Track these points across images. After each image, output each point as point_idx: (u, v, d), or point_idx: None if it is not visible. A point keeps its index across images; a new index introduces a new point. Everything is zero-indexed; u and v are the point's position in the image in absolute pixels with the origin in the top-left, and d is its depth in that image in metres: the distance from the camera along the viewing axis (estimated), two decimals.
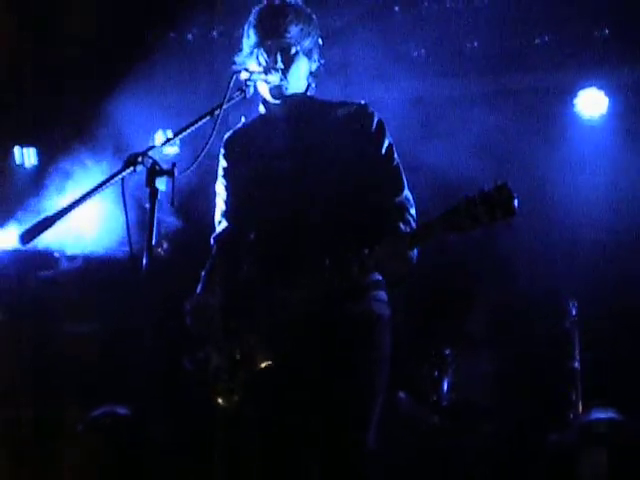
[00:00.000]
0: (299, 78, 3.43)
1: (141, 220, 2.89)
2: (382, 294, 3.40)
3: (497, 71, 6.25)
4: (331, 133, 3.39)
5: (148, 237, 2.85)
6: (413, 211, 3.37)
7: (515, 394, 5.68)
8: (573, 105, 6.29)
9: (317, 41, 3.49)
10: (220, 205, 3.62)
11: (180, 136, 3.07)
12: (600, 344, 5.56)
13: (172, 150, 5.85)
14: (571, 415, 5.33)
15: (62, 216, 2.78)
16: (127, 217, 2.85)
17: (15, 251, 6.06)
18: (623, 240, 5.84)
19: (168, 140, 3.10)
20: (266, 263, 3.40)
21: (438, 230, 3.02)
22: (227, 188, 3.58)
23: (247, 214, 3.50)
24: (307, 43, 3.41)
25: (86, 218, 5.55)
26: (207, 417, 3.53)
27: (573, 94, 6.27)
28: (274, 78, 3.34)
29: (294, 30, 3.36)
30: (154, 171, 2.86)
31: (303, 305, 3.18)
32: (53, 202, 5.53)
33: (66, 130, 6.30)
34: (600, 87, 6.18)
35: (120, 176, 2.86)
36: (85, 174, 5.51)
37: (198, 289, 3.51)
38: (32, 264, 6.35)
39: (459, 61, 6.12)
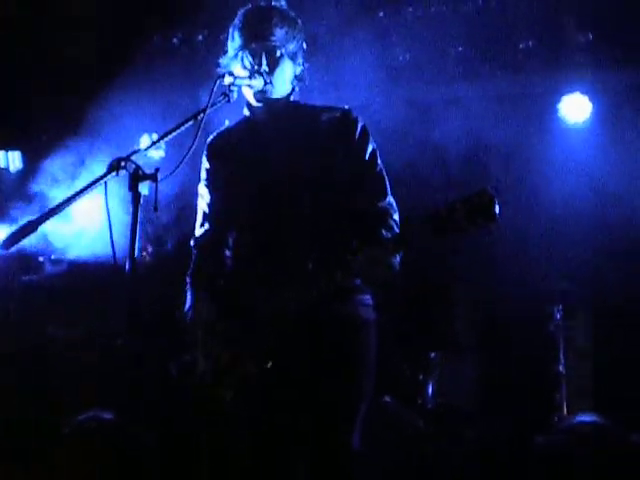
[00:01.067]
0: (284, 82, 3.43)
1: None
2: (368, 298, 3.42)
3: (482, 76, 6.27)
4: (315, 137, 3.40)
5: (131, 241, 2.85)
6: (396, 216, 3.38)
7: (500, 398, 5.70)
8: (557, 110, 6.31)
9: (302, 45, 3.49)
10: (202, 207, 3.61)
11: (164, 140, 3.07)
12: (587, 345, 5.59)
13: (158, 154, 5.86)
14: (556, 418, 5.35)
15: (44, 221, 2.78)
16: (110, 221, 2.85)
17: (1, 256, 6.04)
18: (608, 243, 5.87)
19: (152, 144, 3.11)
20: (249, 266, 3.40)
21: (418, 236, 3.03)
22: (210, 190, 3.58)
23: (229, 217, 3.50)
24: (292, 46, 3.41)
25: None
26: (193, 420, 3.53)
27: (557, 99, 6.30)
28: (258, 82, 3.34)
29: (279, 33, 3.36)
30: (137, 176, 2.87)
31: (288, 307, 3.19)
32: (38, 206, 5.52)
33: (51, 134, 6.28)
34: (584, 92, 6.21)
35: (103, 180, 2.86)
36: (69, 177, 5.50)
37: (188, 295, 3.51)
38: (16, 268, 6.34)
39: (444, 66, 6.14)
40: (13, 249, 2.78)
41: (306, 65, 3.53)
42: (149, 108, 5.97)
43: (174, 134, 3.07)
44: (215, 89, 3.14)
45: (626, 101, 6.01)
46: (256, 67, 3.35)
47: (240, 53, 3.39)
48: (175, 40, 6.42)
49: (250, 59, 3.36)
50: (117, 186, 2.90)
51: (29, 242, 2.87)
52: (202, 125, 3.05)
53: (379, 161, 3.45)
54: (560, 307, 5.52)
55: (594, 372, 5.85)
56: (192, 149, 3.00)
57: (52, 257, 6.31)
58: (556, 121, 6.32)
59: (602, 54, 5.96)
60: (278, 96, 3.43)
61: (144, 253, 5.84)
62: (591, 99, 6.23)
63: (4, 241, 2.75)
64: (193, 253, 3.63)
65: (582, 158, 6.08)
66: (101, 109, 5.78)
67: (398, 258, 3.16)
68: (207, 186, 3.59)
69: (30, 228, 2.76)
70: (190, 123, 3.10)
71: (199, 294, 3.46)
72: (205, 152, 3.60)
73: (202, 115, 3.08)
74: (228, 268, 3.51)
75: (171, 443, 5.47)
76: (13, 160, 6.75)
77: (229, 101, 3.23)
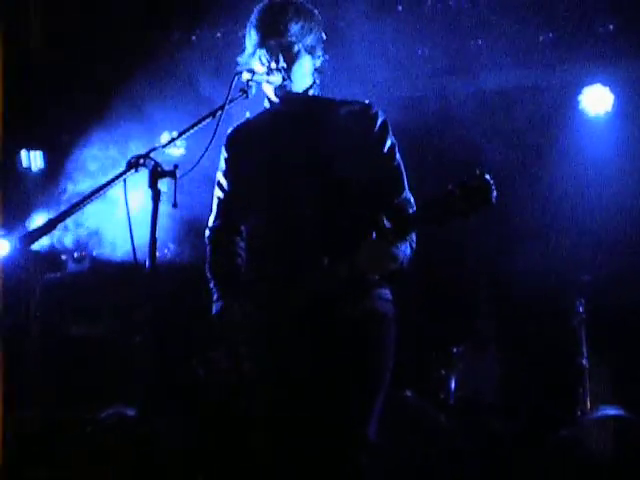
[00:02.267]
0: (303, 76, 3.43)
1: None
2: (386, 292, 3.40)
3: (502, 68, 6.24)
4: (334, 131, 3.39)
5: (151, 239, 2.86)
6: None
7: (522, 392, 5.67)
8: (578, 102, 6.27)
9: (320, 37, 3.47)
10: (218, 196, 3.62)
11: (183, 137, 3.08)
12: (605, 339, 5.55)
13: (178, 152, 5.87)
14: (579, 412, 5.32)
15: (65, 218, 2.80)
16: (130, 219, 2.87)
17: (23, 253, 6.08)
18: (628, 236, 5.83)
19: (171, 141, 3.12)
20: (264, 259, 3.41)
21: (418, 223, 3.07)
22: (228, 181, 3.59)
23: (246, 208, 3.50)
24: (309, 40, 3.39)
25: None
26: (214, 417, 3.54)
27: (578, 91, 6.25)
28: (277, 78, 3.34)
29: (295, 28, 3.35)
30: (156, 173, 2.88)
31: (305, 302, 3.19)
32: (60, 205, 5.55)
33: (73, 133, 6.31)
34: (605, 83, 6.16)
35: (122, 178, 2.88)
36: (92, 175, 5.53)
37: (211, 287, 3.51)
38: (39, 266, 6.38)
39: (464, 59, 6.12)
40: (34, 246, 2.80)
41: (326, 57, 3.51)
42: (169, 106, 5.98)
43: (193, 131, 3.08)
44: (234, 85, 3.15)
45: None
46: (273, 64, 3.34)
47: (257, 50, 3.39)
48: (194, 37, 6.43)
49: (267, 56, 3.36)
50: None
51: (51, 240, 2.89)
52: (221, 122, 3.06)
53: (397, 156, 3.43)
54: (583, 300, 5.48)
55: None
56: (210, 145, 3.01)
57: (75, 255, 6.34)
58: (577, 113, 6.28)
59: (624, 45, 5.92)
60: (298, 90, 3.43)
61: (166, 250, 5.86)
62: (612, 90, 6.18)
63: (25, 238, 2.77)
64: (208, 243, 3.63)
65: (603, 151, 6.04)
66: (122, 108, 5.80)
67: (404, 248, 3.17)
68: (225, 176, 3.59)
69: (50, 226, 2.78)
70: (209, 120, 3.11)
71: (220, 288, 3.47)
72: (225, 142, 3.60)
73: (221, 112, 3.09)
74: (242, 260, 3.51)
75: (193, 439, 5.49)
76: (35, 159, 6.78)
77: (247, 97, 3.23)
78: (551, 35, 6.11)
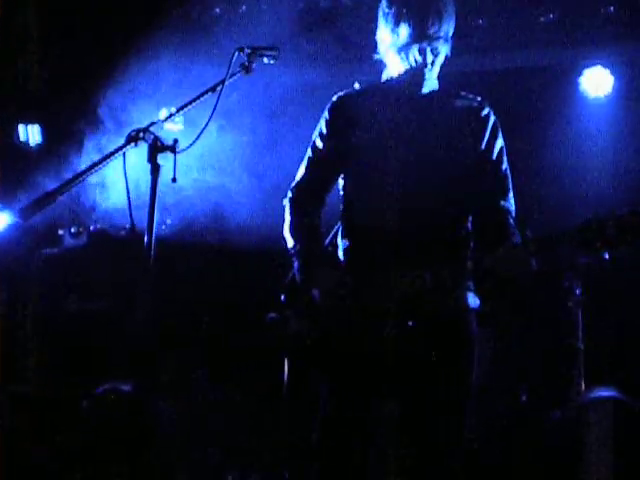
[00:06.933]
0: (439, 65, 3.40)
1: None
2: (471, 284, 3.37)
3: (503, 49, 6.22)
4: (447, 124, 3.34)
5: (150, 213, 2.86)
6: (513, 217, 3.36)
7: (517, 372, 5.68)
8: (578, 84, 6.25)
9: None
10: (310, 155, 3.53)
11: (182, 112, 3.08)
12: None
13: (176, 127, 5.85)
14: (573, 394, 5.34)
15: (62, 192, 2.79)
16: (129, 192, 2.86)
17: (19, 228, 6.06)
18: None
19: (170, 116, 3.11)
20: (366, 240, 3.35)
21: (565, 243, 3.03)
22: (326, 145, 3.48)
23: (347, 180, 3.45)
24: (450, 32, 3.35)
25: None
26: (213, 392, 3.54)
27: (578, 72, 6.24)
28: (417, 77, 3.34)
29: (445, 28, 3.30)
30: (156, 147, 2.88)
31: (400, 296, 3.17)
32: (57, 179, 5.53)
33: (70, 107, 6.29)
34: (605, 65, 6.15)
35: (122, 151, 2.87)
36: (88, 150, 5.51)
37: (296, 253, 3.43)
38: (37, 241, 6.36)
39: (464, 39, 6.08)
40: (31, 220, 2.79)
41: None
42: (169, 81, 5.95)
43: (192, 106, 3.08)
44: (234, 61, 3.13)
45: None
46: (421, 64, 3.31)
47: (405, 49, 3.30)
48: (194, 13, 6.39)
49: (416, 56, 3.30)
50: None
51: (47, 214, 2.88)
52: (220, 96, 3.05)
53: (505, 159, 3.40)
54: (579, 282, 5.48)
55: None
56: (210, 120, 3.00)
57: (72, 230, 6.33)
58: (577, 95, 6.27)
59: (624, 27, 5.90)
60: (432, 78, 3.39)
61: (163, 225, 5.85)
62: (612, 72, 6.17)
63: (22, 212, 2.76)
64: (289, 202, 3.55)
65: (603, 132, 6.03)
66: (120, 82, 5.77)
67: (534, 262, 3.10)
68: (323, 139, 3.49)
69: (48, 199, 2.77)
70: (208, 95, 3.10)
71: (305, 251, 3.40)
72: (330, 105, 3.50)
73: (221, 87, 3.08)
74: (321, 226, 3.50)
75: (189, 416, 5.51)
76: (33, 134, 6.76)
77: (248, 72, 3.22)
78: (552, 16, 6.09)
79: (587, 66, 6.21)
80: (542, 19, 6.09)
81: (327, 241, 3.64)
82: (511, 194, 3.39)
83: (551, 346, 5.69)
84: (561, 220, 5.98)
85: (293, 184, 3.57)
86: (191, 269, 6.24)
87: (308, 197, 3.53)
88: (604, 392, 5.01)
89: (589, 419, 4.86)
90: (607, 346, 5.61)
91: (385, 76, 3.46)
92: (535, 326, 5.81)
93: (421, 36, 3.26)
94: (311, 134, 3.53)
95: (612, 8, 5.90)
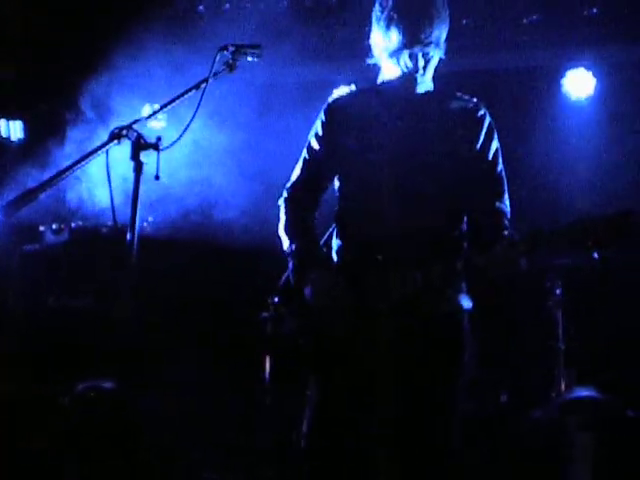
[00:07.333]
0: (431, 69, 3.39)
1: None
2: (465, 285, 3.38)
3: (486, 50, 6.23)
4: (441, 125, 3.34)
5: (132, 210, 2.86)
6: (508, 218, 3.36)
7: (497, 372, 5.70)
8: (561, 85, 6.28)
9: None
10: (305, 155, 3.54)
11: (166, 109, 3.07)
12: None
13: (159, 124, 5.83)
14: (553, 394, 5.36)
15: (45, 189, 2.78)
16: (111, 190, 2.85)
17: (0, 225, 6.03)
18: None
19: (154, 113, 3.11)
20: (360, 240, 3.35)
21: (555, 242, 3.01)
22: (321, 146, 3.49)
23: (340, 180, 3.45)
24: (443, 36, 3.34)
25: None
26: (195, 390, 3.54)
27: (561, 74, 6.26)
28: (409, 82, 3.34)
29: (436, 33, 3.28)
30: (139, 144, 2.87)
31: (395, 296, 3.17)
32: (39, 175, 5.50)
33: (52, 103, 6.26)
34: (588, 67, 6.18)
35: (105, 149, 2.86)
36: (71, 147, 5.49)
37: (292, 253, 3.43)
38: (17, 237, 6.33)
39: (447, 39, 6.09)
40: (13, 218, 2.77)
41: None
42: (152, 78, 5.93)
43: (175, 103, 3.07)
44: (217, 59, 3.13)
45: (630, 77, 5.98)
46: (412, 69, 3.31)
47: (397, 54, 3.30)
48: (178, 10, 6.38)
49: (407, 61, 3.29)
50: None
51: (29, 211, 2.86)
52: (204, 94, 3.05)
53: (501, 160, 3.39)
54: (560, 282, 5.50)
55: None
56: (194, 118, 2.99)
57: (53, 226, 6.30)
58: (560, 96, 6.29)
59: (607, 29, 5.93)
60: (425, 81, 3.38)
61: (145, 224, 5.83)
62: (595, 74, 6.20)
63: (4, 209, 2.74)
64: (284, 202, 3.55)
65: (584, 134, 6.06)
66: (103, 79, 5.75)
67: (524, 262, 3.10)
68: (319, 140, 3.49)
69: (30, 196, 2.76)
70: (192, 92, 3.09)
71: (301, 251, 3.40)
72: (325, 107, 3.50)
73: (204, 84, 3.08)
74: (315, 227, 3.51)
75: (173, 414, 5.50)
76: (14, 130, 6.73)
77: (231, 71, 3.22)
78: (535, 17, 6.11)
79: (570, 67, 6.24)
80: (525, 20, 6.11)
81: (322, 242, 3.65)
82: (506, 195, 3.38)
83: (532, 346, 5.72)
84: (542, 220, 6.01)
85: (288, 184, 3.58)
86: (175, 266, 6.22)
87: (303, 198, 3.54)
88: (584, 392, 5.04)
89: (569, 419, 4.88)
90: (588, 346, 5.63)
91: (380, 79, 3.46)
92: (516, 326, 5.84)
93: (412, 41, 3.25)
94: (298, 130, 3.54)
95: (595, 10, 5.93)
